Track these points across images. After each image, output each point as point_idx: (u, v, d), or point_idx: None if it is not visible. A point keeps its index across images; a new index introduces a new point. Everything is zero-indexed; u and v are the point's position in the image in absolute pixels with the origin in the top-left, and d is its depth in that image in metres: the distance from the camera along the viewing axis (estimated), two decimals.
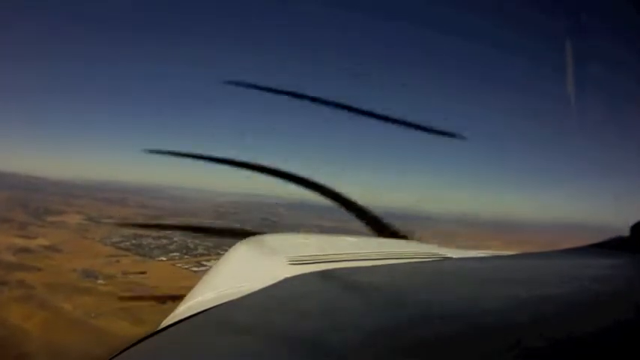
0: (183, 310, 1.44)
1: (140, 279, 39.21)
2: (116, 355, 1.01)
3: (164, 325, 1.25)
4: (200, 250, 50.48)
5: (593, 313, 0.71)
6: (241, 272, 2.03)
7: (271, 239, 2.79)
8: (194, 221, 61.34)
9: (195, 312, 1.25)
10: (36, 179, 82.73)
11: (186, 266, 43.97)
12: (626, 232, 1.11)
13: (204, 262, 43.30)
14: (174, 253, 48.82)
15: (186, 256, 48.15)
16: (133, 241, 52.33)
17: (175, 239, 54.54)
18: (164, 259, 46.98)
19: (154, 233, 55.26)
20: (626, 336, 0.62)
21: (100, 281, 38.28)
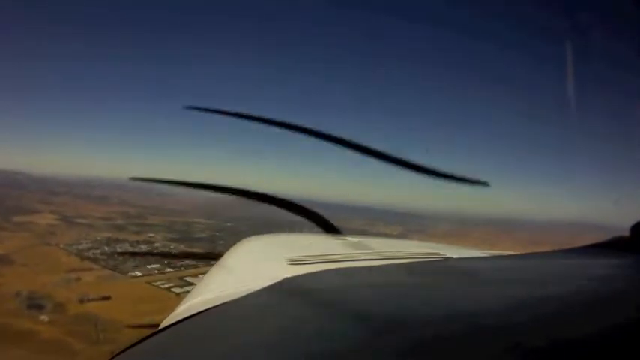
0: (183, 310, 1.42)
1: (101, 308, 28.77)
2: (116, 355, 1.02)
3: (164, 325, 1.25)
4: (186, 260, 40.53)
5: (593, 314, 0.71)
6: (241, 272, 2.01)
7: (271, 239, 2.98)
8: (179, 220, 52.38)
9: (195, 312, 1.26)
10: (18, 175, 73.72)
11: (167, 285, 33.78)
12: (625, 232, 1.12)
13: (189, 278, 33.08)
14: (154, 265, 38.63)
15: (168, 269, 38.10)
16: (105, 248, 41.92)
17: (157, 244, 44.53)
18: (139, 274, 36.63)
19: (132, 237, 45.46)
20: (627, 336, 0.62)
21: (43, 317, 27.87)
